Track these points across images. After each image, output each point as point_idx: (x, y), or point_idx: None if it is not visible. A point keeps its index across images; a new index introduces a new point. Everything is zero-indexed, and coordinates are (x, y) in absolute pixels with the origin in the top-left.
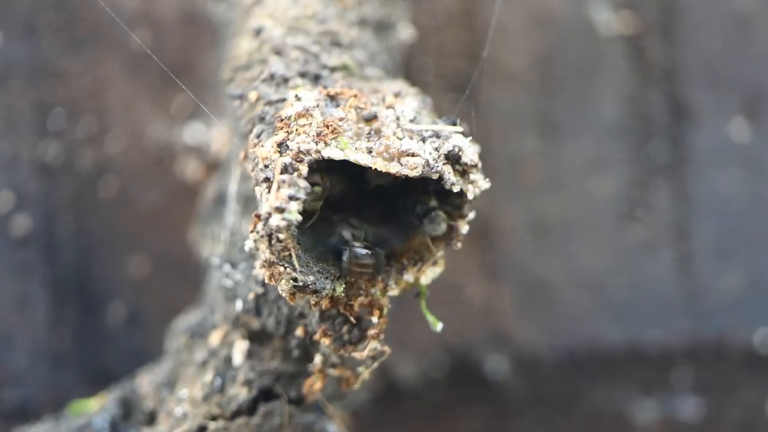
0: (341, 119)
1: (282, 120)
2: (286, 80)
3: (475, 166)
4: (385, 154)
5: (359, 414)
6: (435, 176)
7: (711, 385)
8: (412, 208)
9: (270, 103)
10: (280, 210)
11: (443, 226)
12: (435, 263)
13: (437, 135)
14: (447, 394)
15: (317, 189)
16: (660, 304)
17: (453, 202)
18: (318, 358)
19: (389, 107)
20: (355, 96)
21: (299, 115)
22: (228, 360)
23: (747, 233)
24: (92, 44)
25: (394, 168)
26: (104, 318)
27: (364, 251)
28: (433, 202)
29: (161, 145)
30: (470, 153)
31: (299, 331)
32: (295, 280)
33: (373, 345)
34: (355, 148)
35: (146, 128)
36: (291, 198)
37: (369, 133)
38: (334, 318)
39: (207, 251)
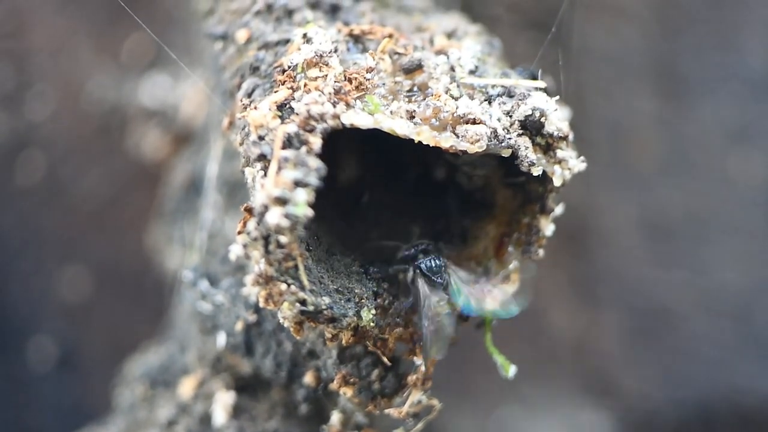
0: (370, 70)
1: (285, 71)
2: (290, 13)
3: (565, 138)
4: (433, 120)
5: None
6: (506, 153)
7: None
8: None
9: (267, 46)
10: (282, 201)
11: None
12: (506, 279)
13: (509, 93)
14: None
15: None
16: None
17: (533, 191)
18: (336, 417)
19: (440, 53)
20: (390, 37)
21: (309, 64)
22: (205, 420)
23: None
24: None
25: (446, 141)
26: (25, 358)
27: (436, 262)
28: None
29: (107, 107)
30: (557, 119)
31: (308, 378)
32: (302, 302)
33: (416, 397)
34: (391, 112)
35: (85, 82)
36: (297, 184)
37: (411, 91)
38: (360, 358)
39: (174, 262)
